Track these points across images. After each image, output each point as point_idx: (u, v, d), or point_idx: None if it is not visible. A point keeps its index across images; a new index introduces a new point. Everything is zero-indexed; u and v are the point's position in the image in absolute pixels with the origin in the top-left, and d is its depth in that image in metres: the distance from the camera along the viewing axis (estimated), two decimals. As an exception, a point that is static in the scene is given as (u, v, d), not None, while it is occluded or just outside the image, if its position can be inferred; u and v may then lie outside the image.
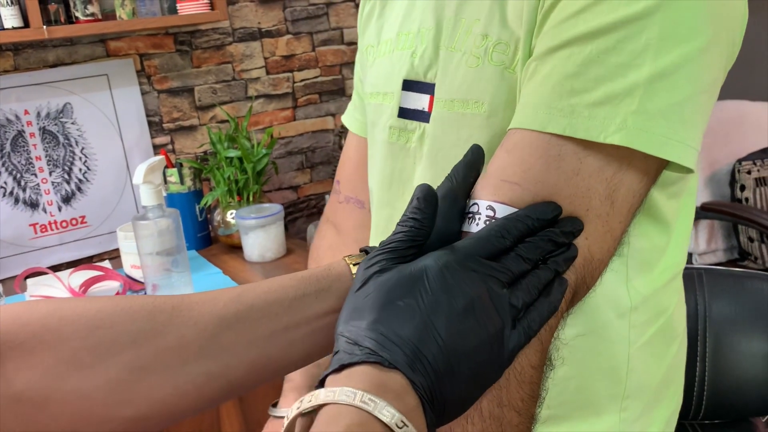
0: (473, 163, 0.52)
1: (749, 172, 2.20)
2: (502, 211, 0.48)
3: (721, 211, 2.11)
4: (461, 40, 0.60)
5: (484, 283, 0.43)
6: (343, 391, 0.36)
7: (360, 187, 0.83)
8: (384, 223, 0.73)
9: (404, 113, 0.67)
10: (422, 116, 0.65)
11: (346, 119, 0.89)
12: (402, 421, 0.36)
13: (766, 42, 2.61)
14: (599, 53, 0.47)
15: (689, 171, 0.51)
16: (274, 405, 0.88)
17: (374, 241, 0.76)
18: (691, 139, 0.49)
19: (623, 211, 0.51)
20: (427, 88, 0.64)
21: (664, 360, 0.66)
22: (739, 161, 2.21)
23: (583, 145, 0.48)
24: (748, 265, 2.22)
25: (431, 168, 0.64)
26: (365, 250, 0.51)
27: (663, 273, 0.63)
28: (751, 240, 2.22)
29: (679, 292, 0.68)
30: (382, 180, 0.71)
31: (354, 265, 0.49)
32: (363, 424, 0.35)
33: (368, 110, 0.74)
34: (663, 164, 0.52)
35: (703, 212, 2.13)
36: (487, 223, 0.48)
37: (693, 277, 1.20)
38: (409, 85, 0.66)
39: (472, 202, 0.50)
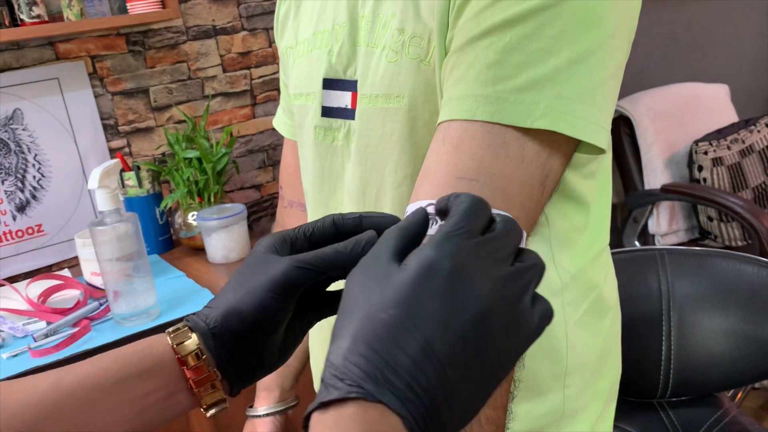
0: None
1: (706, 153, 2.24)
2: None
3: (680, 192, 2.15)
4: (380, 35, 0.60)
5: (491, 269, 0.35)
6: None
7: (301, 191, 0.84)
8: None
9: (327, 112, 0.67)
10: (346, 113, 0.65)
11: (278, 124, 0.90)
12: None
13: (716, 27, 2.66)
14: (519, 40, 0.48)
15: (601, 152, 0.52)
16: (251, 406, 0.91)
17: None
18: (605, 122, 0.50)
19: (548, 195, 0.52)
20: (348, 85, 0.64)
21: (599, 333, 0.68)
22: (696, 142, 2.25)
23: (523, 131, 0.49)
24: (709, 244, 2.27)
25: (360, 165, 0.65)
26: (187, 320, 0.47)
27: (587, 250, 0.65)
28: (710, 219, 2.26)
29: (606, 266, 0.70)
30: (314, 180, 0.72)
31: (175, 343, 0.46)
32: None
33: (294, 112, 0.75)
34: (576, 146, 0.52)
35: (663, 194, 2.17)
36: None
37: (655, 258, 1.22)
38: (329, 84, 0.66)
39: (426, 203, 0.45)
